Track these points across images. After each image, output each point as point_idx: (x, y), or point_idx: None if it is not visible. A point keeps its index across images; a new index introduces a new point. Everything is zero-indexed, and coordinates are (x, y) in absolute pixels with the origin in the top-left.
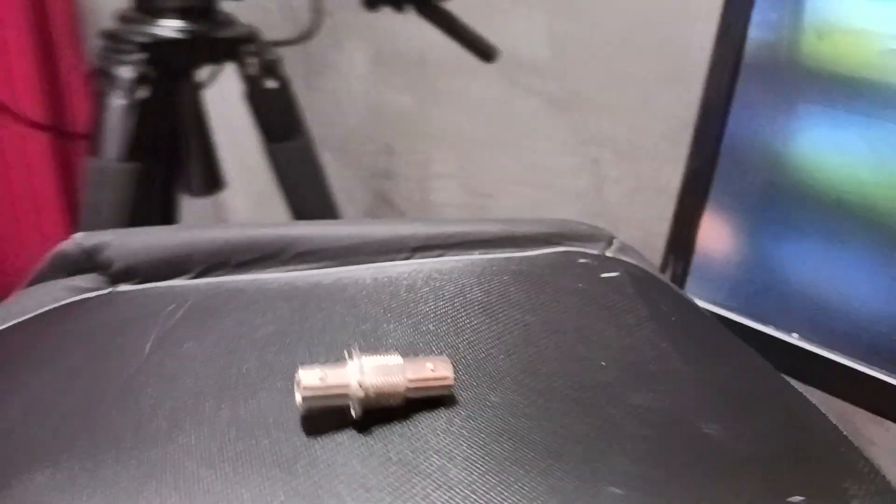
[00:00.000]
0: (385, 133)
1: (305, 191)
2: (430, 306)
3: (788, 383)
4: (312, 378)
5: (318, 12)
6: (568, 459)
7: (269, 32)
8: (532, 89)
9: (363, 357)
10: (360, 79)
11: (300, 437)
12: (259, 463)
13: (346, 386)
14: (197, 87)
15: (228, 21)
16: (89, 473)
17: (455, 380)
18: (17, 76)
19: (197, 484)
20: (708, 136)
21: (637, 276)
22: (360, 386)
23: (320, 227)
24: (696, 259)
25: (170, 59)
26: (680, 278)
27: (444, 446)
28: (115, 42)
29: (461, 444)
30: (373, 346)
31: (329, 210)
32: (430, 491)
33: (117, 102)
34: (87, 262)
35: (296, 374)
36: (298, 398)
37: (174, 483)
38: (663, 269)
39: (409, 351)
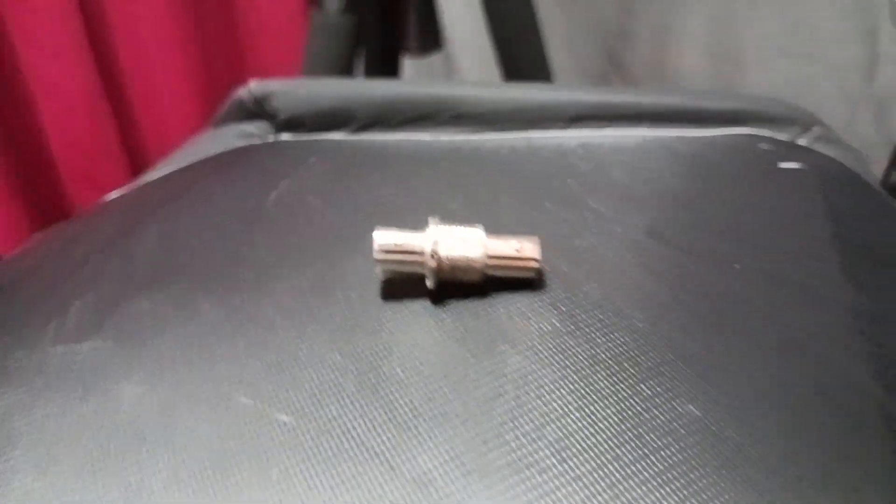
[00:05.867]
0: None
1: (518, 48)
2: (566, 184)
3: None
4: (387, 241)
5: None
6: (648, 372)
7: None
8: None
9: (440, 227)
10: None
11: (374, 302)
12: (326, 321)
13: (421, 254)
14: None
15: None
16: (184, 308)
17: (542, 264)
18: None
19: (271, 332)
20: None
21: (828, 172)
22: (433, 255)
23: (479, 90)
24: None
25: None
26: None
27: (511, 332)
28: None
29: (530, 333)
30: (487, 218)
31: (542, 71)
32: (481, 376)
33: None
34: (257, 109)
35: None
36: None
37: (249, 329)
38: (887, 176)
39: (527, 228)
